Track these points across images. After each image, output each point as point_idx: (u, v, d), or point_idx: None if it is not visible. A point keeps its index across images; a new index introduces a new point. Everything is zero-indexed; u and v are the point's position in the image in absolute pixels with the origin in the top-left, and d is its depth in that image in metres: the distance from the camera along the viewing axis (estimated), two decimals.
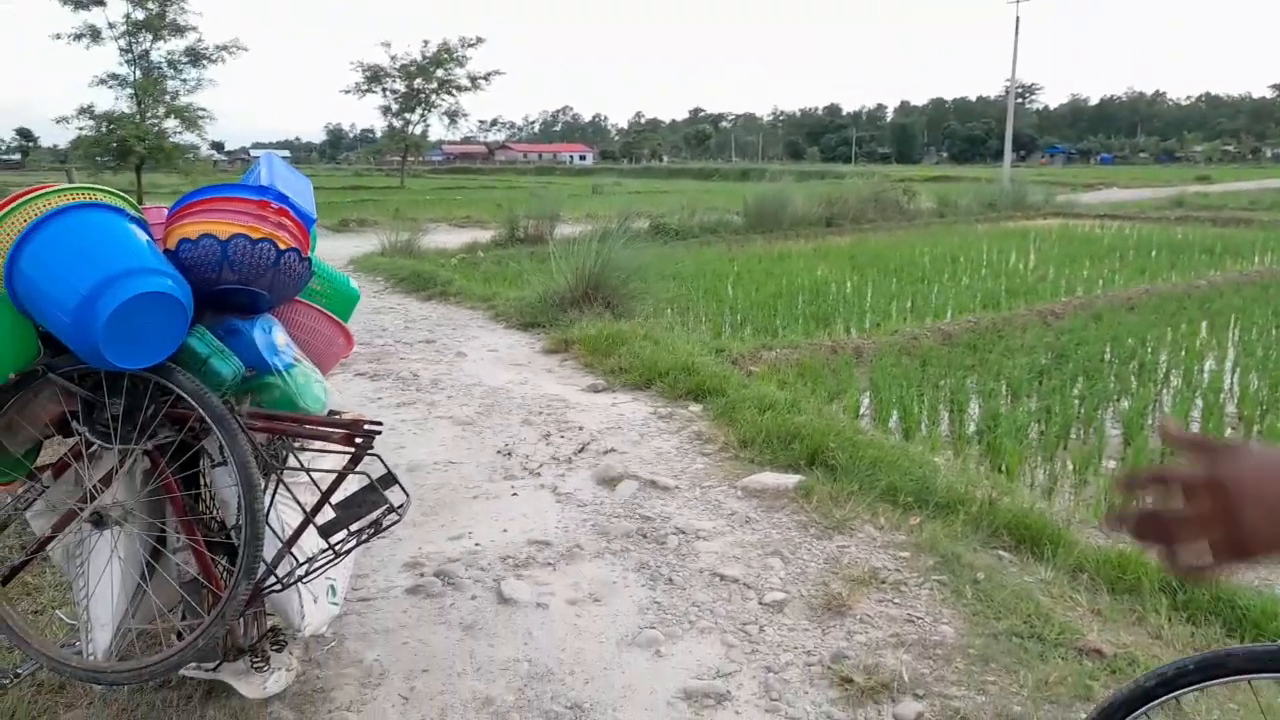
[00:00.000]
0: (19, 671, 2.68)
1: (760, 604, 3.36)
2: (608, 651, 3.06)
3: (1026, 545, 3.78)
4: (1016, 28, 43.33)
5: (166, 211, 2.54)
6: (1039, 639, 3.03)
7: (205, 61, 28.99)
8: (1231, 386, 7.05)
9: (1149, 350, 7.92)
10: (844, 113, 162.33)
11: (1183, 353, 7.88)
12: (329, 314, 2.82)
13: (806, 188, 23.07)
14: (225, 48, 29.21)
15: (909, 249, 15.43)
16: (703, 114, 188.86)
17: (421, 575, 3.59)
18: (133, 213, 2.38)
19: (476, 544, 3.89)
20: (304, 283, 2.61)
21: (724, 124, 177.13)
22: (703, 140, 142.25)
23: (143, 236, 2.29)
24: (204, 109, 28.85)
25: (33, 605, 3.17)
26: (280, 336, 2.56)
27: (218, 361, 2.35)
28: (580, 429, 5.43)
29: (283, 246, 2.41)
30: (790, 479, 4.44)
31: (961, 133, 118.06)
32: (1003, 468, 5.19)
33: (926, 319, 9.70)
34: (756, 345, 7.79)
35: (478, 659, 3.00)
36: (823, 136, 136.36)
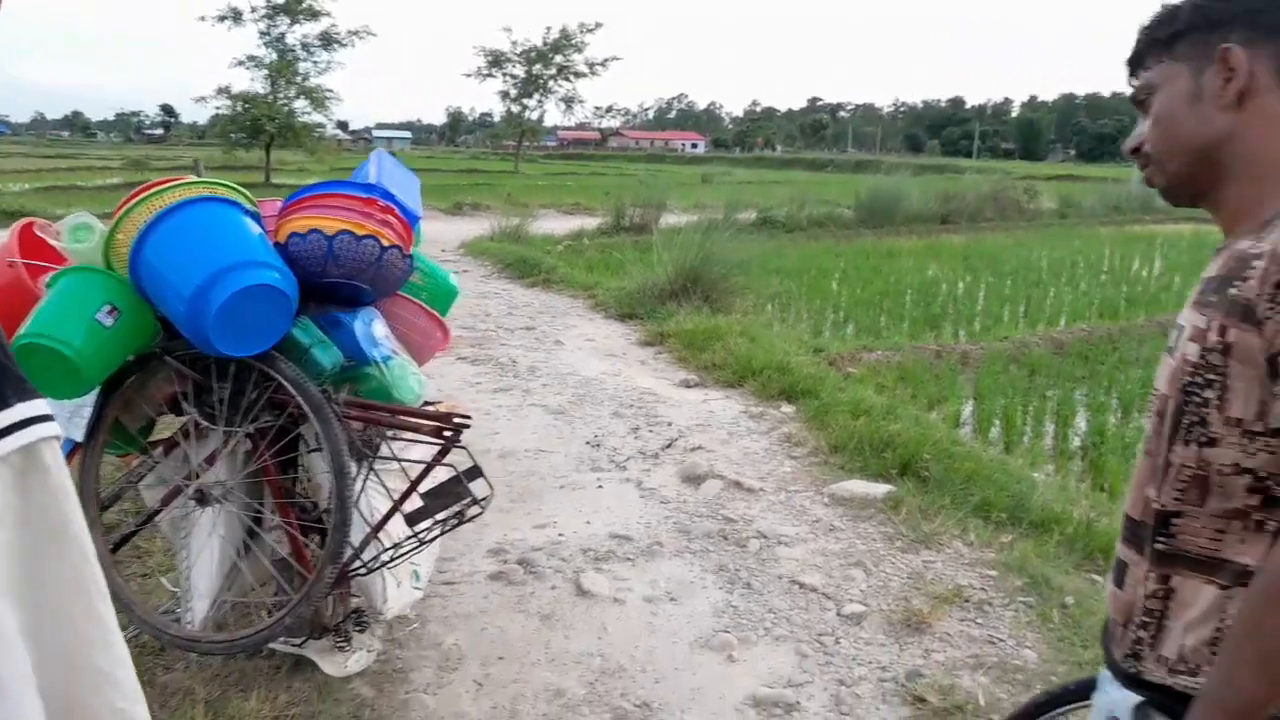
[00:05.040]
0: None
1: (838, 615, 3.33)
2: (680, 652, 3.09)
3: None
4: None
5: (280, 205, 2.67)
6: None
7: (336, 45, 30.03)
8: None
9: None
10: (968, 105, 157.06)
11: None
12: (428, 308, 2.92)
13: (923, 182, 22.51)
14: (356, 32, 30.17)
15: (1026, 251, 14.94)
16: (820, 103, 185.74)
17: (505, 562, 3.69)
18: (249, 206, 2.51)
19: (560, 534, 3.97)
20: (405, 278, 2.71)
21: (842, 114, 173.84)
22: (818, 130, 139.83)
23: (256, 230, 2.42)
24: (331, 90, 29.94)
25: (142, 569, 3.39)
26: (380, 329, 2.67)
27: (319, 351, 2.46)
28: (669, 424, 5.47)
29: (386, 243, 2.51)
30: (880, 488, 4.38)
31: (1091, 130, 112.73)
32: (1104, 487, 5.00)
33: (1039, 325, 9.39)
34: (857, 346, 7.68)
35: (552, 650, 3.07)
36: (944, 129, 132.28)
